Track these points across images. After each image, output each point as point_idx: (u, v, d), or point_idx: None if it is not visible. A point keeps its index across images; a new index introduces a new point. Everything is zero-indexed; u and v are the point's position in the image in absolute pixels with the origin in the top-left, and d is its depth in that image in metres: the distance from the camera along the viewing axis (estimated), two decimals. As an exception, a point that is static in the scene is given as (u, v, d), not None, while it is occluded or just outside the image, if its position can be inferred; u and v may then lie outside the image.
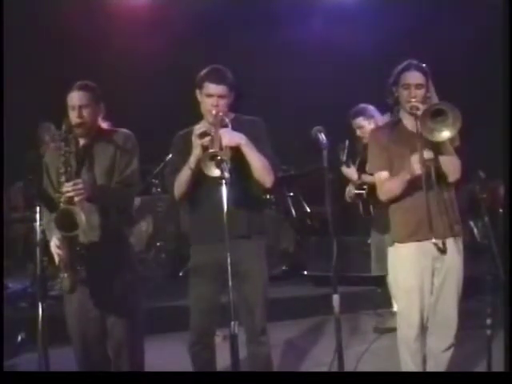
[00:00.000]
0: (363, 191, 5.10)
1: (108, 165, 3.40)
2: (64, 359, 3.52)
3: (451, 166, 3.31)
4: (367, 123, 5.08)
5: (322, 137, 3.10)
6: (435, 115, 3.14)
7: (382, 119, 4.97)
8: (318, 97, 7.79)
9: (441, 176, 3.30)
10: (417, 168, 3.20)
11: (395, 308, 4.72)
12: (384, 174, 3.41)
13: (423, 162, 3.18)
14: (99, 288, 3.34)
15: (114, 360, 3.45)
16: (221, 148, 3.10)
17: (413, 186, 3.30)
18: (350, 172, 5.11)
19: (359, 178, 5.04)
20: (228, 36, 7.89)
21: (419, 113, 3.20)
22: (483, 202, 3.20)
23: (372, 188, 4.79)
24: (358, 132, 5.17)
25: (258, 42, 8.03)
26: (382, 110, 4.92)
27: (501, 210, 5.96)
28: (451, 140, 3.23)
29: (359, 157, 5.19)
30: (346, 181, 5.28)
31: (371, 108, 5.19)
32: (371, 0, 8.33)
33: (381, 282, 5.39)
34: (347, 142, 5.04)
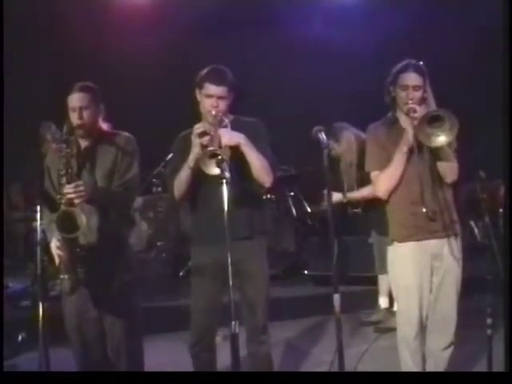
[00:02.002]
0: (357, 209, 5.24)
1: (109, 167, 3.40)
2: (64, 359, 3.52)
3: (449, 168, 3.33)
4: (331, 142, 5.19)
5: (323, 137, 3.10)
6: (432, 121, 3.16)
7: (346, 138, 5.15)
8: (318, 97, 7.80)
9: (438, 175, 3.32)
10: (411, 137, 3.22)
11: (395, 307, 4.73)
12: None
13: (416, 137, 3.19)
14: (98, 289, 3.35)
15: (114, 360, 3.45)
16: (220, 147, 3.10)
17: (410, 185, 3.31)
18: (336, 196, 5.10)
19: (344, 197, 5.06)
20: (228, 36, 7.89)
21: (416, 115, 3.22)
22: (483, 202, 3.21)
23: (367, 202, 4.87)
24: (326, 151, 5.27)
25: (258, 42, 8.03)
26: (381, 110, 4.92)
27: (501, 210, 5.97)
28: (448, 143, 3.24)
29: (342, 177, 5.26)
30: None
31: (341, 127, 5.27)
32: (371, 0, 8.34)
33: (374, 281, 5.42)
34: None
